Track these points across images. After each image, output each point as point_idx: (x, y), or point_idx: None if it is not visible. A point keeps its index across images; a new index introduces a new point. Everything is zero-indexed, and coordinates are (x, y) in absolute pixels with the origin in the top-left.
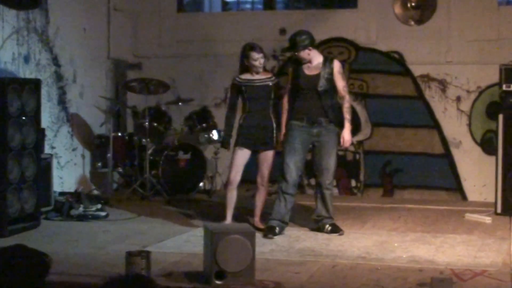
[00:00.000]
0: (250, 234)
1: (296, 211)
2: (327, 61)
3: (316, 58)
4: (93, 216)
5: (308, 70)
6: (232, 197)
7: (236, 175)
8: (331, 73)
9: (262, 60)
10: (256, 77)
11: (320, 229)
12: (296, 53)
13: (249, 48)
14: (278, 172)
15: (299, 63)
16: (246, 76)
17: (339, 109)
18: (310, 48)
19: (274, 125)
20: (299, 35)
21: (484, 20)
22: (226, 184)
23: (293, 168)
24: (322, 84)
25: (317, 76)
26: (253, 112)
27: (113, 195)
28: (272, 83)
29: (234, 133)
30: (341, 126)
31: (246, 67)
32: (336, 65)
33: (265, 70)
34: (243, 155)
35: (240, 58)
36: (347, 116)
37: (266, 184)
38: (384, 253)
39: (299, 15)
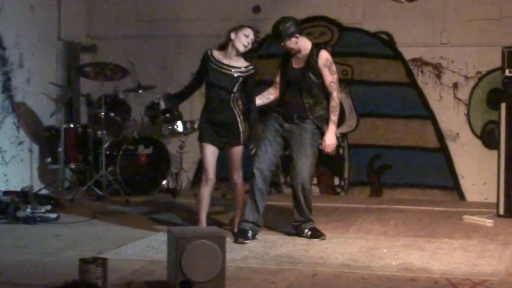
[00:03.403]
0: (220, 238)
1: (272, 213)
2: (313, 53)
3: (304, 47)
4: (42, 218)
5: (296, 63)
6: (207, 195)
7: (213, 173)
8: (314, 67)
9: (250, 43)
10: (227, 62)
11: (299, 234)
12: (282, 44)
13: (246, 25)
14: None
15: (289, 54)
16: (219, 56)
17: (325, 109)
18: (297, 35)
19: (239, 119)
20: (283, 22)
21: None
22: (202, 182)
23: (263, 160)
24: (305, 79)
25: (302, 70)
26: (212, 104)
27: (64, 195)
28: (242, 75)
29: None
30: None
31: (224, 46)
32: (321, 57)
33: (245, 58)
34: (212, 151)
35: (227, 34)
36: (331, 116)
37: (241, 180)
38: (372, 261)
39: None
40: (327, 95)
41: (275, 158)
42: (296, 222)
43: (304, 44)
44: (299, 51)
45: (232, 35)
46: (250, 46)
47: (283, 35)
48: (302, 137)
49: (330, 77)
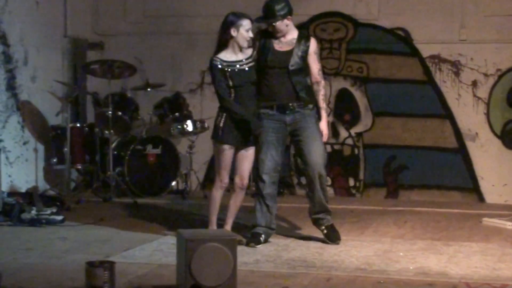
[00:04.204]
0: (231, 241)
1: (285, 215)
2: (303, 38)
3: (291, 32)
4: (48, 220)
5: (279, 46)
6: (219, 199)
7: (227, 176)
8: (306, 52)
9: (251, 35)
10: (241, 56)
11: (316, 224)
12: (273, 24)
13: (239, 15)
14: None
15: (268, 36)
16: (227, 56)
17: (312, 95)
18: (289, 17)
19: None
20: (276, 2)
21: None
22: (215, 184)
23: (269, 164)
24: (294, 63)
25: (289, 53)
26: (242, 103)
27: (71, 196)
28: (255, 62)
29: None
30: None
31: (224, 43)
32: (313, 44)
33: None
34: (231, 155)
35: (221, 30)
36: (323, 105)
37: (245, 187)
38: (388, 264)
39: None
40: (311, 82)
41: (280, 159)
42: (314, 214)
43: (292, 28)
44: (284, 35)
45: (233, 32)
46: (251, 40)
47: (277, 15)
48: (308, 123)
49: (319, 65)
